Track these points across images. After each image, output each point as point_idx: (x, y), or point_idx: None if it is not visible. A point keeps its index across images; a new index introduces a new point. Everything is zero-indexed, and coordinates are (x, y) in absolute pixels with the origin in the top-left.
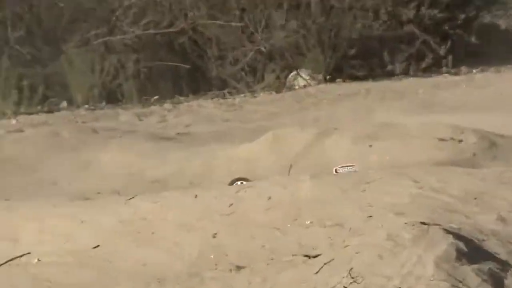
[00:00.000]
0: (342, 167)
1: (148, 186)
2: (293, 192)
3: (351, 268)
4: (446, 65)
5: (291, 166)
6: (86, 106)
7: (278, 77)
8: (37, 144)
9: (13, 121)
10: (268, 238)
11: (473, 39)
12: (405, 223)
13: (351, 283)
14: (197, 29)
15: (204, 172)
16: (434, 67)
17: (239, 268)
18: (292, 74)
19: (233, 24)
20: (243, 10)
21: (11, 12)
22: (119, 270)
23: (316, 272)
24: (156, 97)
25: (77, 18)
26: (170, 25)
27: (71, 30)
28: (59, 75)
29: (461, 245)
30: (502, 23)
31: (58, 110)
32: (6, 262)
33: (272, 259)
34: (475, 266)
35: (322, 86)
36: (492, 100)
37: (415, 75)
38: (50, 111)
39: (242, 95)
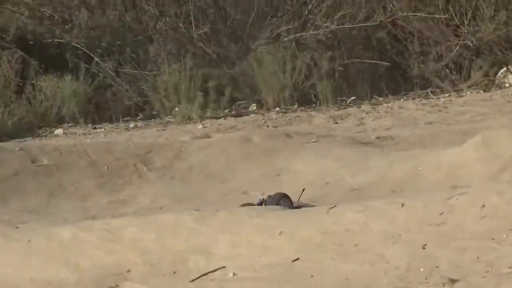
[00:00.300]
0: None
1: (347, 195)
2: (509, 199)
3: None
4: None
5: (303, 190)
6: (277, 108)
7: (486, 74)
8: (225, 151)
9: (199, 126)
10: (482, 249)
11: None
12: None
13: None
14: (397, 22)
15: (407, 179)
16: None
17: (452, 281)
18: (502, 70)
19: (436, 16)
20: (447, 1)
21: (195, 7)
22: (321, 285)
23: None
24: (352, 98)
25: (266, 13)
26: (367, 18)
27: (259, 26)
28: (247, 75)
29: None
30: None
31: (247, 113)
32: (199, 277)
33: (487, 272)
34: None
35: None
36: None
37: None
38: (238, 115)
39: (446, 94)
